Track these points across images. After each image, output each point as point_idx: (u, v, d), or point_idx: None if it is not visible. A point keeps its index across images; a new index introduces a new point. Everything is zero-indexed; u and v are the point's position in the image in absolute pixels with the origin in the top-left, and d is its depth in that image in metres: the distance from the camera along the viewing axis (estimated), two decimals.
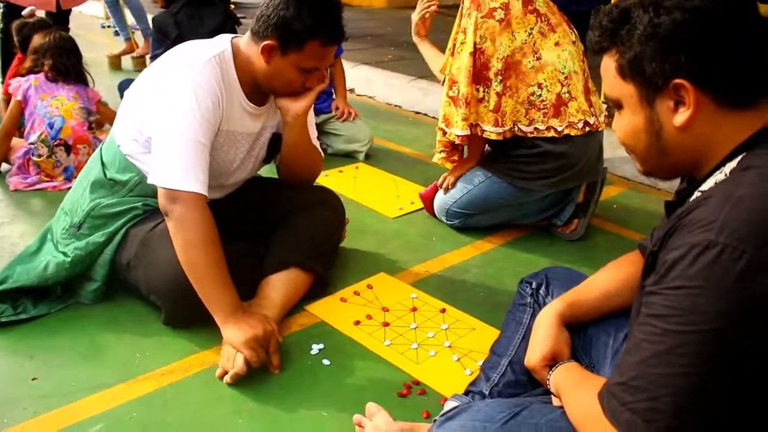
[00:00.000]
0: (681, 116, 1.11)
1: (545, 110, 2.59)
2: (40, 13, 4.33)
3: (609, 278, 1.56)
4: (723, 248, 0.97)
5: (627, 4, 1.14)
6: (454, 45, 2.67)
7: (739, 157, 1.09)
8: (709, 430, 1.02)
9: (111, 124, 3.54)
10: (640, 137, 1.19)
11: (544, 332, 1.51)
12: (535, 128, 2.61)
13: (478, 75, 2.58)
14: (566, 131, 2.60)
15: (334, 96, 3.97)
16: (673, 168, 1.22)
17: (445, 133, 2.70)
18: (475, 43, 2.55)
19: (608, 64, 1.19)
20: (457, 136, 2.64)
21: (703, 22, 1.07)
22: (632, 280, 1.46)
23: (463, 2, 2.65)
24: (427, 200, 2.97)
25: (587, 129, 2.63)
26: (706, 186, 1.14)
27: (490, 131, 2.60)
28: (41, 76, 3.29)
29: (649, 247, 1.31)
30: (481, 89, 2.59)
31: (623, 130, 1.22)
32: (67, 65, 3.35)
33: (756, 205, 0.99)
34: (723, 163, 1.12)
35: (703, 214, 1.02)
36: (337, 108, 3.88)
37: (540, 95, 2.59)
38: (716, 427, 1.02)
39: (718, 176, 1.11)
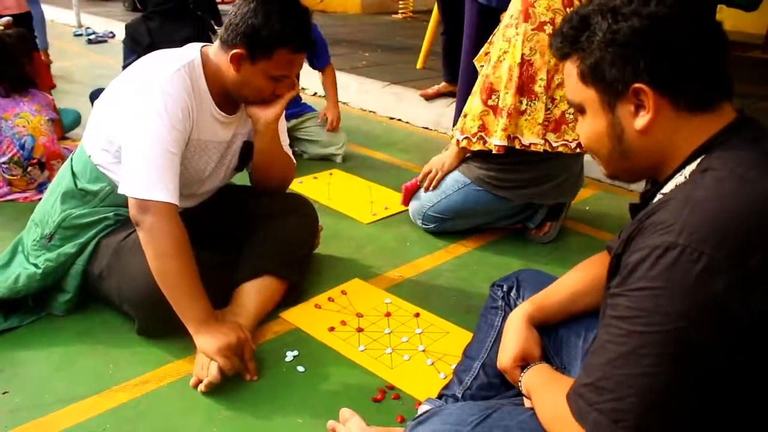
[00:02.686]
0: (641, 120, 1.13)
1: (546, 123, 2.60)
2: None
3: (577, 279, 1.58)
4: (682, 250, 0.99)
5: (586, 11, 1.16)
6: (488, 53, 2.66)
7: (698, 160, 1.12)
8: (676, 429, 1.04)
9: (58, 131, 3.53)
10: (602, 141, 1.21)
11: (514, 334, 1.53)
12: (532, 142, 2.61)
13: (523, 87, 2.56)
14: (560, 149, 2.61)
15: (302, 100, 3.98)
16: (635, 171, 1.24)
17: (485, 142, 2.65)
18: (523, 55, 2.54)
19: (570, 69, 1.21)
20: (495, 145, 2.62)
21: (660, 27, 1.09)
22: (600, 280, 1.47)
23: (508, 9, 2.63)
24: (409, 193, 2.97)
25: (578, 151, 2.64)
26: (667, 188, 1.16)
27: (535, 143, 2.59)
28: None
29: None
30: (525, 101, 2.58)
31: (586, 134, 1.24)
32: (17, 74, 3.25)
33: (713, 208, 1.01)
34: (683, 166, 1.14)
35: (663, 216, 1.04)
36: (325, 116, 3.85)
37: (549, 109, 2.60)
38: (683, 425, 1.04)
39: (678, 179, 1.14)
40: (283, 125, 2.32)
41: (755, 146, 1.10)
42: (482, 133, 2.66)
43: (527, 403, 1.39)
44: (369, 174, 3.61)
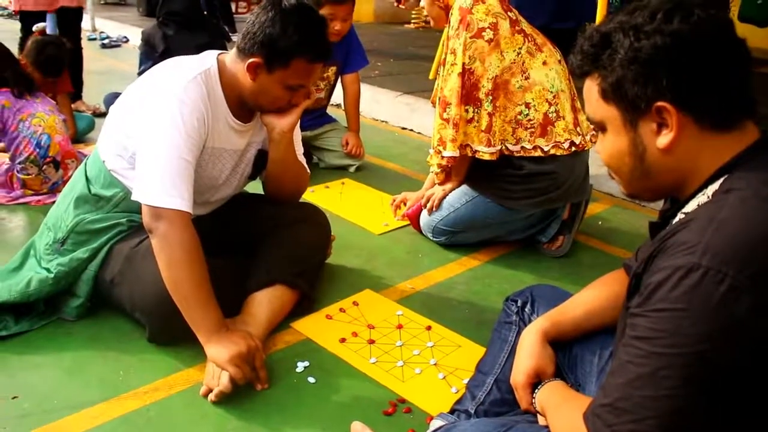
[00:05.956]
0: (664, 138, 1.12)
1: (532, 129, 2.60)
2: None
3: (593, 296, 1.57)
4: (706, 271, 0.97)
5: (607, 29, 1.15)
6: (443, 65, 2.66)
7: (721, 179, 1.10)
8: None
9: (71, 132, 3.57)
10: (624, 159, 1.20)
11: (528, 349, 1.52)
12: (522, 147, 2.62)
13: (468, 95, 2.57)
14: (552, 151, 2.61)
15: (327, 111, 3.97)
16: (656, 190, 1.23)
17: (442, 156, 2.68)
18: (464, 64, 2.55)
19: (591, 87, 1.20)
20: (444, 157, 2.64)
21: (683, 45, 1.08)
22: (616, 298, 1.47)
23: (449, 22, 2.65)
24: (414, 218, 2.98)
25: (573, 149, 2.64)
26: (689, 208, 1.15)
27: (483, 151, 2.60)
28: (7, 94, 3.20)
29: (633, 266, 1.34)
30: (471, 109, 2.59)
31: (607, 152, 1.23)
32: (25, 76, 3.32)
33: (737, 229, 1.00)
34: (705, 185, 1.13)
35: (686, 236, 1.03)
36: (347, 143, 3.82)
37: (527, 114, 2.59)
38: None
39: (701, 198, 1.12)
40: (297, 135, 2.31)
41: None
42: (440, 147, 2.66)
43: (541, 421, 1.38)
44: (381, 184, 3.60)
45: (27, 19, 4.59)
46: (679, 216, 1.17)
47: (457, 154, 2.62)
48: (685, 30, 1.08)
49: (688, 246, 1.01)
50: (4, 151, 3.30)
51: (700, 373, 0.99)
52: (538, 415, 1.41)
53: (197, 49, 2.19)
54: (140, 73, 4.09)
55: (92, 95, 4.92)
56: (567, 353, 1.60)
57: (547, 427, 1.32)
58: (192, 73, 1.96)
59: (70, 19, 4.66)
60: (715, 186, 1.11)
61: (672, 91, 1.09)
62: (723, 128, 1.12)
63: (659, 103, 1.10)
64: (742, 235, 0.99)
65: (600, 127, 1.23)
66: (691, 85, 1.09)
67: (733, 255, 0.97)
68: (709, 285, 0.97)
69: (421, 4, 2.85)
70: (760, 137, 1.14)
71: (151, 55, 3.93)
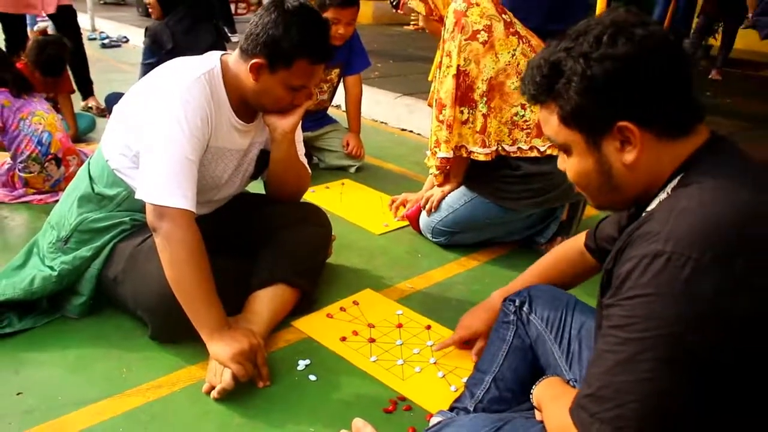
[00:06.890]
0: (629, 155, 1.18)
1: (528, 130, 2.63)
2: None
3: (545, 260, 1.93)
4: (669, 256, 1.03)
5: (556, 58, 1.20)
6: (440, 68, 2.69)
7: (679, 177, 1.17)
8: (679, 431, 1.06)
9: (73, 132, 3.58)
10: (590, 178, 1.26)
11: (482, 316, 2.00)
12: (519, 148, 2.64)
13: (463, 97, 2.60)
14: (549, 151, 2.63)
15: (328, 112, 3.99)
16: (624, 200, 1.29)
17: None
18: (458, 66, 2.57)
19: (548, 115, 1.25)
20: (439, 158, 2.67)
21: (633, 66, 1.13)
22: (567, 251, 1.89)
23: (445, 25, 2.67)
24: (413, 219, 3.00)
25: None
26: (651, 206, 1.21)
27: (478, 152, 2.63)
28: (6, 93, 3.20)
29: (592, 246, 1.78)
30: (466, 111, 2.61)
31: (574, 171, 1.28)
32: (21, 76, 3.35)
33: (696, 215, 1.05)
34: (665, 185, 1.19)
35: (650, 227, 1.09)
36: (348, 143, 3.84)
37: (523, 115, 2.62)
38: (684, 428, 1.07)
39: (661, 196, 1.19)
40: (299, 135, 2.34)
41: (730, 160, 1.16)
42: (436, 148, 2.69)
43: (538, 416, 1.41)
44: (380, 185, 3.62)
45: (3, 20, 4.56)
46: (644, 214, 1.22)
47: (450, 155, 2.64)
48: (632, 51, 1.13)
49: (652, 235, 1.07)
50: (3, 149, 3.31)
51: (676, 354, 1.03)
52: (535, 410, 1.44)
53: (204, 50, 2.21)
54: (144, 64, 4.10)
55: None
56: (564, 350, 1.63)
57: (542, 422, 1.35)
58: (196, 73, 1.98)
59: (64, 19, 4.65)
60: (673, 183, 1.18)
61: (631, 110, 1.15)
62: (679, 135, 1.18)
63: (620, 123, 1.16)
64: (701, 220, 1.05)
65: (563, 149, 1.28)
66: (646, 101, 1.15)
67: (694, 239, 1.03)
68: (674, 269, 1.02)
69: (420, 23, 2.87)
70: (710, 137, 1.20)
71: (158, 51, 3.94)
